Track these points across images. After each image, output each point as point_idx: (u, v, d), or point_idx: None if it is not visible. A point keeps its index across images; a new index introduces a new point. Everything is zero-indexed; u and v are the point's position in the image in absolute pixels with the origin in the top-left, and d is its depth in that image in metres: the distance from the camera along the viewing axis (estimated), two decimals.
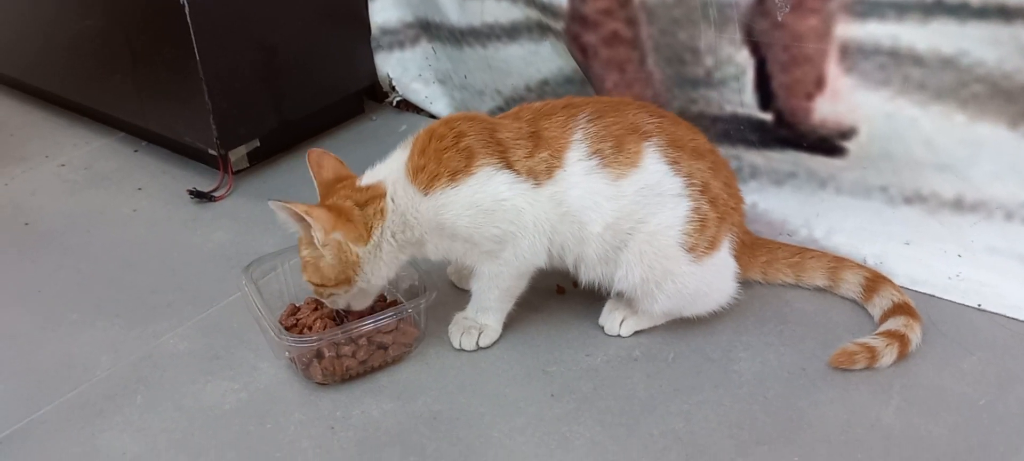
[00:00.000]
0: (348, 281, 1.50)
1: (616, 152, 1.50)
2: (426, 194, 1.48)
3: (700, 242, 1.52)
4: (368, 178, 1.54)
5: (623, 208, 1.50)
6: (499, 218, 1.48)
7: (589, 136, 1.50)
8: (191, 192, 2.14)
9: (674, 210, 1.51)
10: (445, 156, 1.48)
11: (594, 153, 1.49)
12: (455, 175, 1.47)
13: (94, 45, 2.25)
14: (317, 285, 1.51)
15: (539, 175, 1.49)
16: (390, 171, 1.53)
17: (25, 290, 1.85)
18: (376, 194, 1.50)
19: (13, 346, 1.68)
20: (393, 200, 1.50)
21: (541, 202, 1.49)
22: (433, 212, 1.48)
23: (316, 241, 1.46)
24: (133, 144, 2.42)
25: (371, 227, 1.49)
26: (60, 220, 2.10)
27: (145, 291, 1.83)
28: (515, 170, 1.48)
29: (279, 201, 1.45)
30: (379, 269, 1.52)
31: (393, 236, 1.51)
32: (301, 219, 1.46)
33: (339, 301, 1.54)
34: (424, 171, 1.48)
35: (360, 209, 1.49)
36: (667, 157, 1.52)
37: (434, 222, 1.49)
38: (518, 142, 1.50)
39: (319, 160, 1.58)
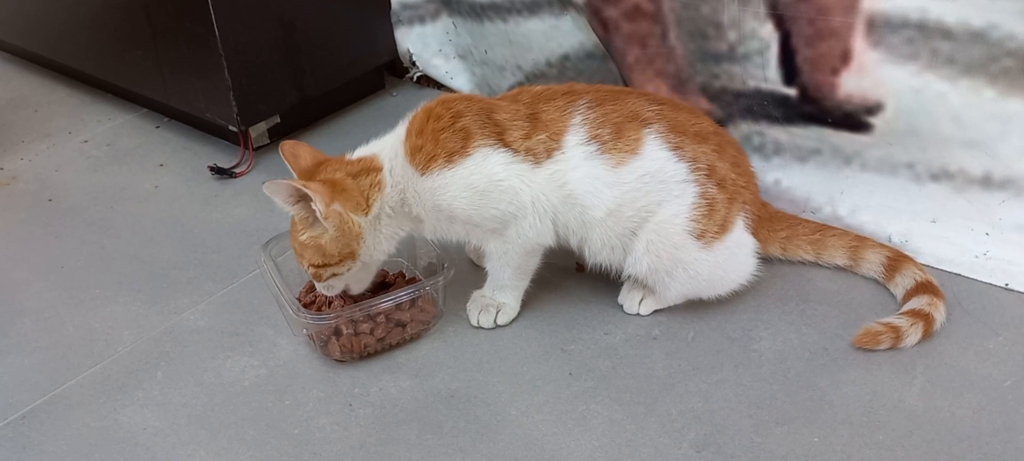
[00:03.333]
0: (352, 255, 1.48)
1: (615, 139, 1.48)
2: (423, 175, 1.47)
3: (709, 227, 1.50)
4: (359, 153, 1.53)
5: (624, 195, 1.48)
6: (496, 199, 1.47)
7: (588, 122, 1.49)
8: (212, 168, 2.15)
9: (680, 198, 1.50)
10: (442, 137, 1.47)
11: (593, 139, 1.48)
12: (452, 156, 1.46)
13: (116, 21, 2.26)
14: (318, 266, 1.48)
15: (537, 155, 1.48)
16: (385, 147, 1.51)
17: (48, 265, 1.87)
18: (370, 166, 1.49)
19: (37, 321, 1.71)
20: (391, 175, 1.49)
21: (539, 182, 1.48)
22: (430, 193, 1.48)
23: (318, 214, 1.43)
24: (155, 120, 2.43)
25: (369, 198, 1.48)
26: (83, 196, 2.11)
27: (166, 267, 1.84)
28: (512, 149, 1.47)
29: (274, 181, 1.42)
30: (380, 243, 1.52)
31: (392, 210, 1.50)
32: (300, 195, 1.43)
33: (337, 284, 1.52)
34: (421, 151, 1.47)
35: (353, 179, 1.48)
36: (669, 143, 1.50)
37: (432, 203, 1.48)
38: (515, 123, 1.49)
39: (293, 151, 1.55)
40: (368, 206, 1.48)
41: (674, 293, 1.56)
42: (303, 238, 1.48)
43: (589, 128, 1.49)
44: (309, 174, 1.51)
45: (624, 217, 1.50)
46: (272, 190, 1.43)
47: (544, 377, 1.50)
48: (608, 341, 1.57)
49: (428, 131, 1.48)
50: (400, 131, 1.53)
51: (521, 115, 1.50)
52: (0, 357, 1.62)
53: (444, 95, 1.57)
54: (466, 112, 1.49)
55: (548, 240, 1.54)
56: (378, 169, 1.49)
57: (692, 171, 1.50)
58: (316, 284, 1.54)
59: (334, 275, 1.50)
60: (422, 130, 1.48)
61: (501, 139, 1.48)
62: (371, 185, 1.48)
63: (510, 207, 1.48)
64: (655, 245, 1.50)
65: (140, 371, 1.57)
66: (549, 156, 1.48)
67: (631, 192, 1.49)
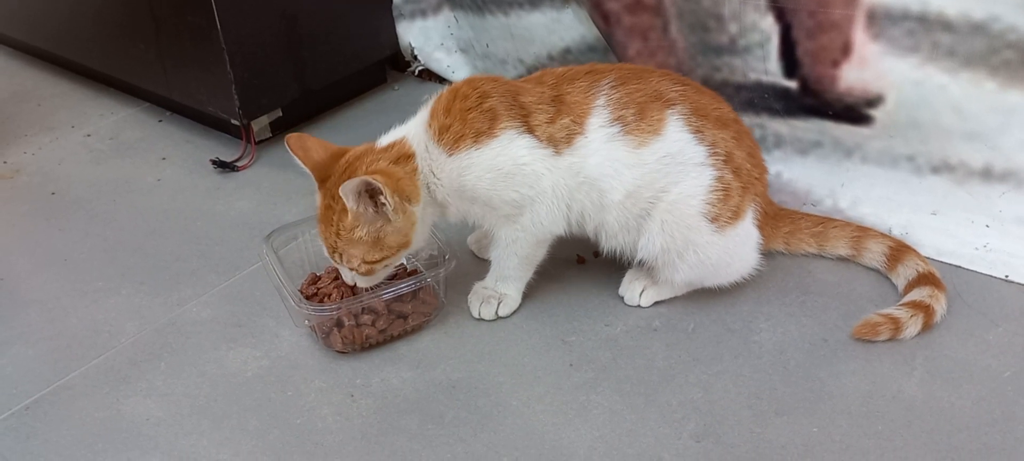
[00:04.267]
0: (407, 243, 1.48)
1: (638, 119, 1.48)
2: (451, 155, 1.47)
3: (723, 212, 1.50)
4: (387, 139, 1.51)
5: (644, 176, 1.48)
6: (518, 182, 1.47)
7: (612, 102, 1.49)
8: (214, 162, 2.15)
9: (697, 179, 1.50)
10: (470, 117, 1.46)
11: (616, 119, 1.48)
12: (479, 136, 1.45)
13: (118, 15, 2.27)
14: (375, 261, 1.46)
15: (559, 142, 1.47)
16: (410, 132, 1.50)
17: (52, 258, 1.88)
18: (406, 152, 1.48)
19: (41, 313, 1.71)
20: (421, 160, 1.48)
21: (560, 169, 1.48)
22: (456, 173, 1.47)
23: (388, 208, 1.41)
24: (158, 114, 2.44)
25: (417, 184, 1.47)
26: (86, 189, 2.12)
27: (169, 259, 1.85)
28: (536, 135, 1.47)
29: (348, 181, 1.37)
30: (424, 230, 1.52)
31: (429, 196, 1.50)
32: (371, 190, 1.39)
33: (384, 274, 1.52)
34: (449, 131, 1.46)
35: (397, 166, 1.46)
36: (690, 126, 1.50)
37: (456, 184, 1.48)
38: (540, 106, 1.49)
39: (302, 143, 1.52)
40: (418, 192, 1.47)
41: (681, 277, 1.56)
42: (360, 234, 1.44)
43: (613, 109, 1.48)
44: (324, 168, 1.50)
45: (643, 198, 1.50)
46: (345, 191, 1.38)
47: (545, 368, 1.51)
48: (609, 332, 1.57)
49: (455, 110, 1.47)
50: (422, 115, 1.51)
51: (546, 98, 1.49)
52: (5, 348, 1.63)
53: (471, 76, 1.56)
54: (493, 93, 1.48)
55: (560, 228, 1.54)
56: (412, 155, 1.48)
57: (710, 155, 1.50)
58: (360, 280, 1.50)
59: (387, 266, 1.50)
60: (449, 109, 1.47)
61: (526, 123, 1.47)
62: (412, 171, 1.47)
63: (530, 191, 1.48)
64: (669, 225, 1.50)
65: (143, 362, 1.58)
66: (570, 143, 1.47)
67: (651, 173, 1.48)
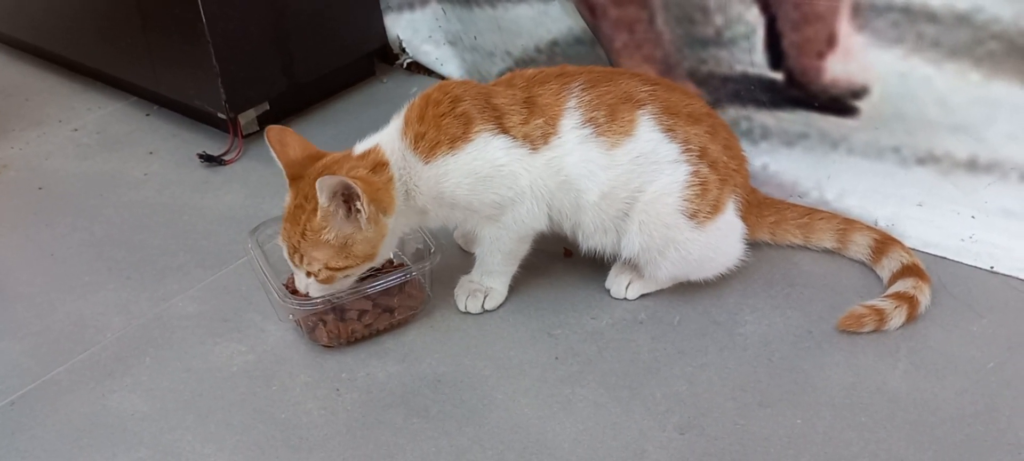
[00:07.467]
0: (372, 256, 1.47)
1: (609, 121, 1.48)
2: (428, 162, 1.46)
3: (702, 207, 1.51)
4: (362, 147, 1.50)
5: (618, 177, 1.49)
6: (497, 185, 1.47)
7: (582, 105, 1.49)
8: (201, 156, 2.15)
9: (671, 177, 1.50)
10: (443, 122, 1.46)
11: (587, 122, 1.48)
12: (454, 142, 1.45)
13: (105, 8, 2.26)
14: (338, 268, 1.43)
15: (535, 140, 1.47)
16: (384, 140, 1.49)
17: (39, 252, 1.88)
18: (381, 161, 1.46)
19: (27, 308, 1.71)
20: (396, 168, 1.47)
21: (537, 168, 1.48)
22: (434, 181, 1.47)
23: (362, 215, 1.39)
24: (145, 108, 2.43)
25: (393, 196, 1.46)
26: (73, 184, 2.12)
27: (156, 254, 1.84)
28: (511, 135, 1.47)
29: (329, 177, 1.35)
30: (391, 243, 1.51)
31: (403, 206, 1.48)
32: (348, 194, 1.37)
33: (345, 284, 1.49)
34: (424, 139, 1.46)
35: (374, 175, 1.45)
36: (662, 124, 1.50)
37: (435, 191, 1.48)
38: (513, 108, 1.49)
39: (281, 138, 1.49)
40: (392, 204, 1.46)
41: (664, 273, 1.57)
42: (327, 237, 1.41)
43: (584, 111, 1.48)
44: (299, 167, 1.48)
45: (618, 199, 1.50)
46: (322, 185, 1.35)
47: (530, 361, 1.51)
48: (595, 325, 1.58)
49: (429, 117, 1.46)
50: (396, 123, 1.51)
51: (518, 100, 1.50)
52: None
53: (441, 81, 1.56)
54: (465, 97, 1.48)
55: (542, 225, 1.55)
56: (386, 164, 1.46)
57: (684, 151, 1.50)
58: (314, 288, 1.47)
59: (348, 276, 1.48)
60: (423, 117, 1.47)
61: (500, 124, 1.47)
62: (387, 181, 1.45)
63: (509, 192, 1.48)
64: (647, 225, 1.51)
65: (129, 357, 1.57)
66: (546, 142, 1.48)
67: (624, 174, 1.49)
